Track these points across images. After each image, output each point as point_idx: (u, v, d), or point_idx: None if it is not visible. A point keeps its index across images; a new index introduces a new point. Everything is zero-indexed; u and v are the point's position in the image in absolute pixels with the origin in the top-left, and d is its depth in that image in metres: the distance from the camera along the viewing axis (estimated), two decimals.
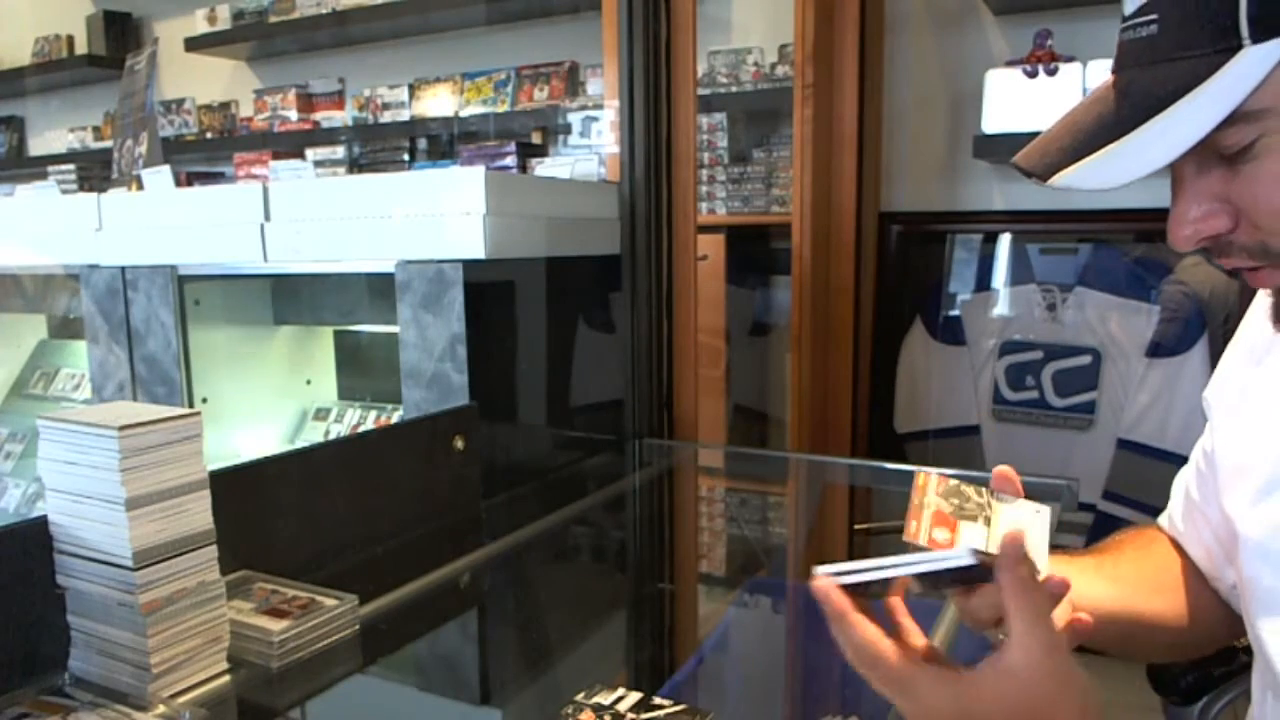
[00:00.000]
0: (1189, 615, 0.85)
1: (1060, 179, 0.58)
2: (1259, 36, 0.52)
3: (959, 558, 0.59)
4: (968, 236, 2.40)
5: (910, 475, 0.70)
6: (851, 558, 0.63)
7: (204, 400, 1.78)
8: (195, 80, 3.99)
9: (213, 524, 0.81)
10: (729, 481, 1.75)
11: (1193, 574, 0.87)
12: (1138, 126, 0.55)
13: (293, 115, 3.71)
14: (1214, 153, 0.57)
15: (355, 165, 3.43)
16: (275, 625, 0.85)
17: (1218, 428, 0.81)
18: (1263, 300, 0.80)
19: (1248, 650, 0.88)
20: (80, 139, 4.39)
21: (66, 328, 2.48)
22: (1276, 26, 0.51)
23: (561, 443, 1.60)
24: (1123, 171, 0.56)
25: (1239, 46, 0.52)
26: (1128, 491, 2.12)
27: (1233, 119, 0.54)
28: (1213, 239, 0.60)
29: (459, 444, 1.27)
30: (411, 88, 3.48)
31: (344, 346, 2.06)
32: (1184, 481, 0.91)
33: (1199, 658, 0.93)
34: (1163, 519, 0.94)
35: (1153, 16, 0.56)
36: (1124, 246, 2.21)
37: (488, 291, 1.37)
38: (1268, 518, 0.71)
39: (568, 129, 3.03)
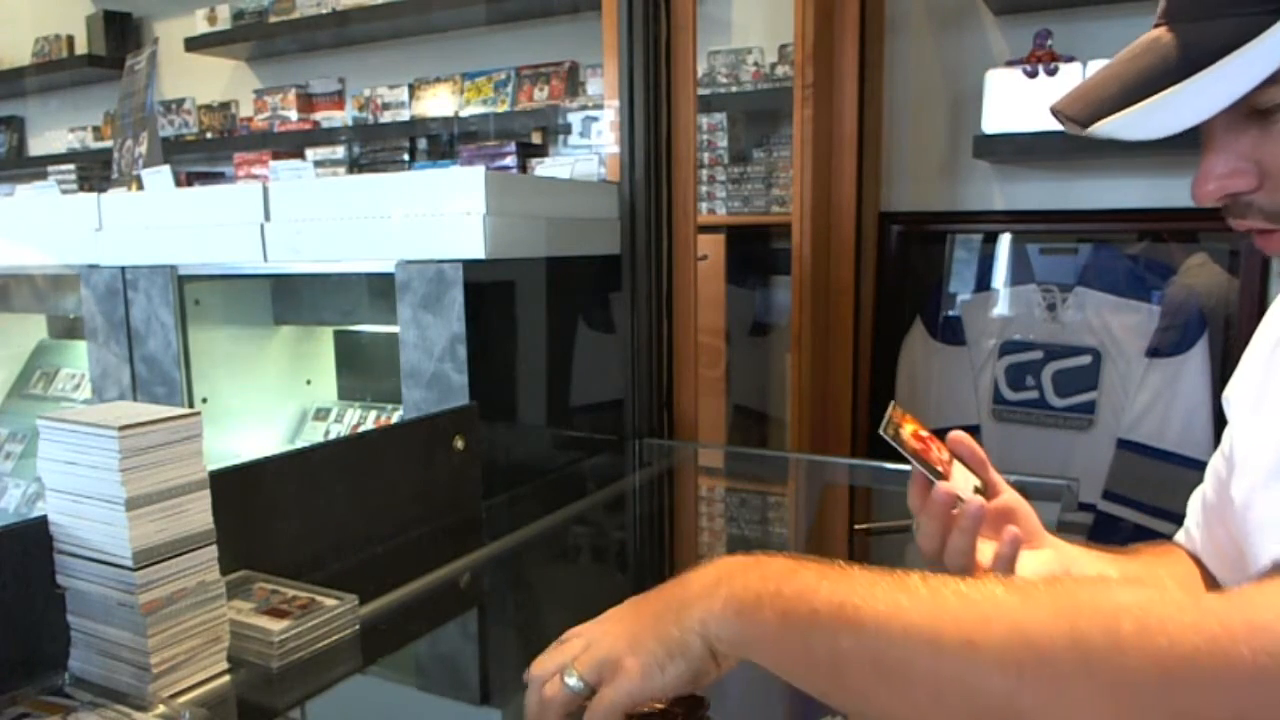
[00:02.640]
0: None
1: (1102, 126, 0.60)
2: None
3: (932, 474, 0.76)
4: (968, 236, 2.40)
5: (910, 475, 0.75)
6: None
7: (204, 400, 1.78)
8: (195, 80, 3.99)
9: (213, 524, 0.81)
10: (729, 481, 1.75)
11: (1211, 584, 0.86)
12: (1183, 80, 0.56)
13: (293, 115, 3.71)
14: (1248, 112, 0.58)
15: (355, 165, 3.43)
16: (275, 625, 0.85)
17: (1236, 421, 0.80)
18: None
19: None
20: (80, 139, 4.39)
21: (66, 328, 2.48)
22: None
23: (561, 443, 1.60)
24: (1163, 124, 0.57)
25: None
26: (1128, 491, 2.12)
27: (1273, 79, 0.55)
28: (1234, 197, 0.62)
29: (459, 444, 1.27)
30: (411, 88, 3.48)
31: (344, 346, 2.06)
32: (1200, 492, 0.90)
33: None
34: (1179, 535, 0.93)
35: None
36: (1124, 246, 2.21)
37: (488, 291, 1.37)
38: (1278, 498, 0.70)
39: (568, 129, 3.03)
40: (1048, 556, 0.78)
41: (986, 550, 0.76)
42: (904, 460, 0.77)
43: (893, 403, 0.78)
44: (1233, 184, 0.61)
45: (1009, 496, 0.80)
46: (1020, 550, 0.76)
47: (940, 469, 0.76)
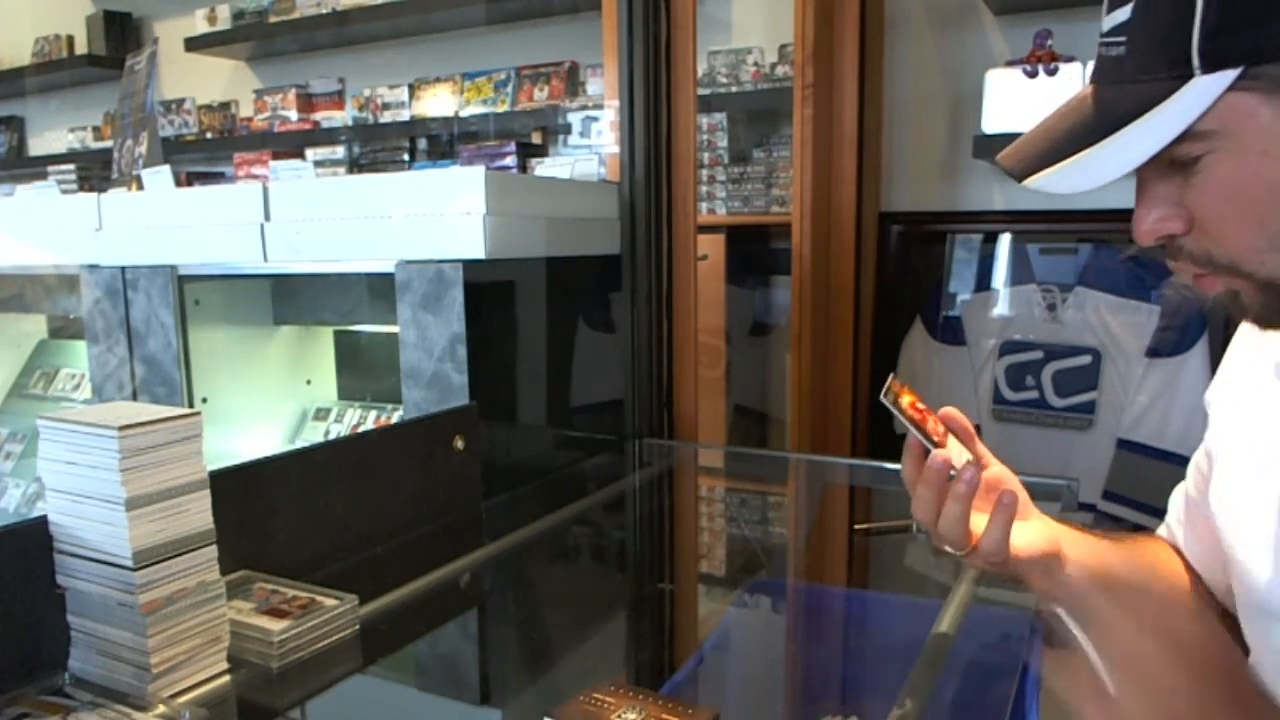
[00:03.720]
0: (1194, 610, 0.85)
1: (1033, 181, 0.65)
2: (1207, 68, 0.57)
3: (928, 442, 0.77)
4: (968, 236, 2.40)
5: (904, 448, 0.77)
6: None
7: (204, 400, 1.78)
8: (195, 80, 3.99)
9: (213, 524, 0.81)
10: (729, 481, 1.75)
11: (1194, 577, 0.87)
12: (1102, 139, 0.61)
13: (293, 115, 3.71)
14: (1170, 162, 0.62)
15: (355, 165, 3.43)
16: (275, 625, 0.85)
17: (1216, 424, 0.82)
18: None
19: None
20: (80, 139, 4.39)
21: (66, 328, 2.48)
22: (1221, 61, 0.57)
23: (561, 443, 1.60)
24: (1087, 179, 0.62)
25: (1191, 75, 0.58)
26: (1128, 491, 2.12)
27: (1184, 136, 0.59)
28: (1168, 238, 0.66)
29: (459, 444, 1.27)
30: (411, 88, 3.48)
31: (344, 346, 2.06)
32: (1183, 488, 0.91)
33: None
34: (1161, 530, 0.94)
35: (1122, 39, 0.62)
36: (1124, 246, 2.21)
37: (488, 291, 1.37)
38: (1263, 501, 0.71)
39: (568, 129, 3.03)
40: (1037, 527, 0.80)
41: (979, 521, 0.78)
42: (900, 443, 0.79)
43: (891, 374, 0.80)
44: (1164, 228, 0.65)
45: (997, 469, 0.82)
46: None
47: (936, 439, 0.78)
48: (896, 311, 2.43)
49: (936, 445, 0.77)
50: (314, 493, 1.08)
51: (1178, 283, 0.69)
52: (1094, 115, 0.63)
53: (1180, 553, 0.90)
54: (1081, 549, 0.81)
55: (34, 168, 4.32)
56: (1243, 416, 0.78)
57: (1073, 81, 1.99)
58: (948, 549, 0.78)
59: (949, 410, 0.81)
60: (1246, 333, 0.82)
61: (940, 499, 0.77)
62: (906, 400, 0.79)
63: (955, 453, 0.79)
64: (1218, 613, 0.86)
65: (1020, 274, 2.30)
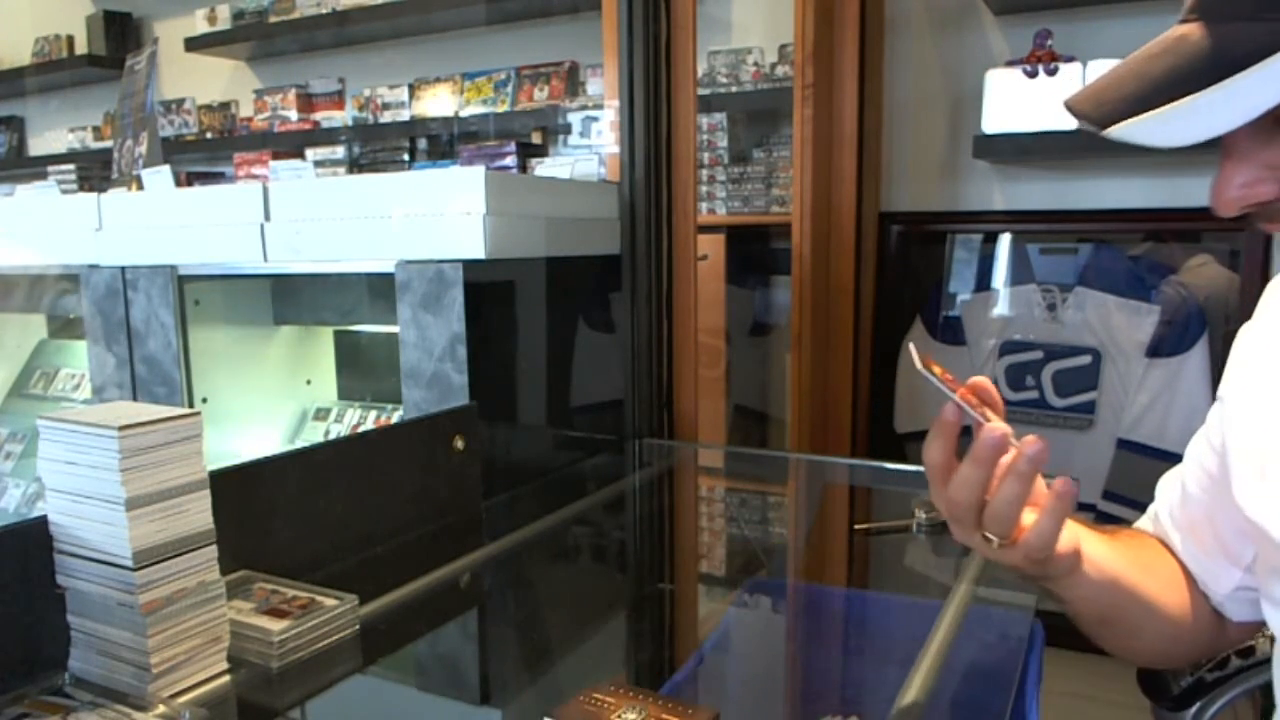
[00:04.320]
0: (1190, 613, 0.84)
1: (1119, 130, 0.56)
2: None
3: (973, 413, 0.67)
4: (968, 236, 2.40)
5: (911, 475, 0.72)
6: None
7: (204, 400, 1.78)
8: (195, 80, 3.99)
9: (213, 524, 0.81)
10: (729, 481, 1.75)
11: (1185, 575, 0.85)
12: (1210, 85, 0.52)
13: (293, 115, 3.71)
14: (1274, 120, 0.55)
15: (355, 165, 3.43)
16: (275, 625, 0.85)
17: (1234, 417, 0.78)
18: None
19: (1240, 653, 0.87)
20: (80, 139, 4.40)
21: (66, 328, 2.48)
22: None
23: (561, 443, 1.60)
24: (1187, 131, 0.54)
25: None
26: (1128, 491, 2.12)
27: None
28: (1259, 205, 0.59)
29: (459, 444, 1.27)
30: (411, 88, 3.48)
31: (344, 346, 2.06)
32: (1176, 480, 0.88)
33: (1193, 663, 0.92)
34: (1143, 522, 0.91)
35: None
36: (1124, 246, 2.21)
37: (488, 291, 1.37)
38: None
39: (568, 129, 3.03)
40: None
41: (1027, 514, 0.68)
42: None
43: (909, 342, 0.73)
44: (1255, 193, 0.58)
45: None
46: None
47: (980, 413, 0.68)
48: (896, 311, 2.43)
49: (984, 419, 0.67)
50: (314, 493, 1.08)
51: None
52: (1203, 55, 0.53)
53: (1170, 549, 0.87)
54: (1093, 546, 0.78)
55: (34, 168, 4.33)
56: (1270, 414, 0.74)
57: (1073, 81, 1.99)
58: (987, 539, 0.68)
59: (979, 380, 0.70)
60: (1259, 327, 0.79)
61: (990, 479, 0.67)
62: (937, 370, 0.69)
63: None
64: (1211, 612, 0.85)
65: (1020, 274, 2.30)
